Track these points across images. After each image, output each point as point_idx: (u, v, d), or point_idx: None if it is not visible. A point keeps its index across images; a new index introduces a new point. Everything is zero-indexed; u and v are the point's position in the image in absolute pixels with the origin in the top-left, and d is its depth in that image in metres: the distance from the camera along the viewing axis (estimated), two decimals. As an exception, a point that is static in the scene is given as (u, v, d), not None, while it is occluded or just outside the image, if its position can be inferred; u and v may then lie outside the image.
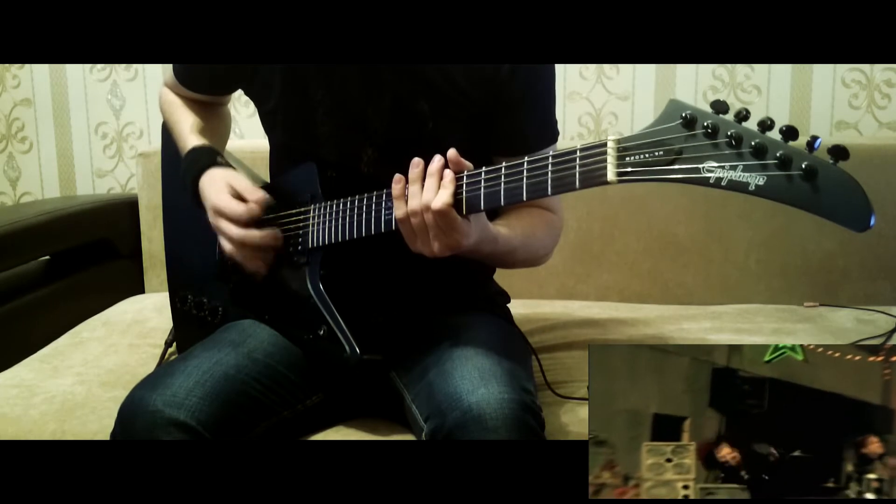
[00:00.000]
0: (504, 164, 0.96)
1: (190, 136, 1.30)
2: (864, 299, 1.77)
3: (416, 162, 1.01)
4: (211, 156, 1.24)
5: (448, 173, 0.99)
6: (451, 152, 0.99)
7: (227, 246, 1.19)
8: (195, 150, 1.26)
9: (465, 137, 1.02)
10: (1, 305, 1.67)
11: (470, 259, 1.23)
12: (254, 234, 1.16)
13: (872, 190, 0.74)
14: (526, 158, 0.94)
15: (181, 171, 1.27)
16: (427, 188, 0.99)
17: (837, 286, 1.79)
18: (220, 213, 1.17)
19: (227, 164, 1.24)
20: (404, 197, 1.01)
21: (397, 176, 1.02)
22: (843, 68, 1.92)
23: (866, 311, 1.70)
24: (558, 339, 1.53)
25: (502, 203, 0.97)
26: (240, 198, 1.17)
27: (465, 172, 0.99)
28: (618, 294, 1.85)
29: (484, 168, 0.98)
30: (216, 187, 1.19)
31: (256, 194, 1.16)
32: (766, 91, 1.94)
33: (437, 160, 1.00)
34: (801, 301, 1.78)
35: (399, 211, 1.02)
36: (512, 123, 1.19)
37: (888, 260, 1.78)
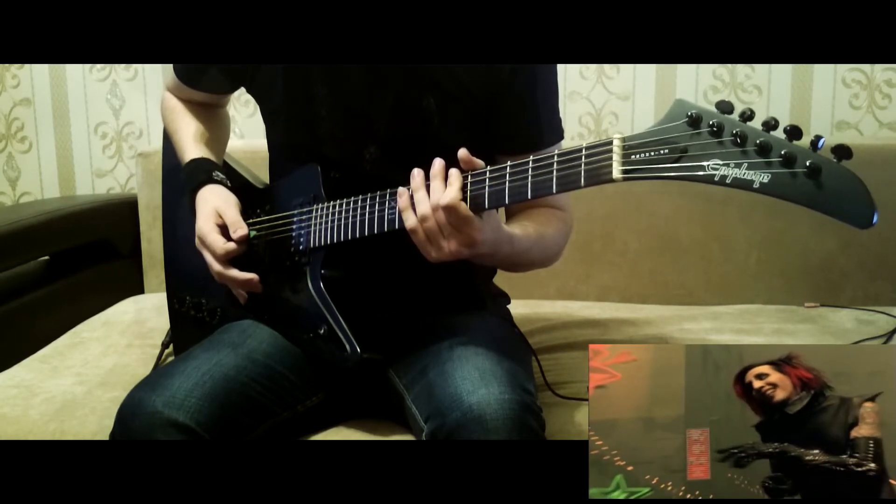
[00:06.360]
0: (509, 162, 0.96)
1: (190, 144, 1.30)
2: (864, 300, 1.77)
3: (416, 173, 1.01)
4: (208, 171, 1.25)
5: (453, 171, 0.98)
6: (462, 151, 0.98)
7: (211, 271, 1.22)
8: (194, 162, 1.27)
9: (468, 136, 1.01)
10: (1, 305, 1.67)
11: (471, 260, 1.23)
12: (230, 275, 1.18)
13: (873, 190, 0.74)
14: (532, 157, 0.94)
15: (181, 179, 1.27)
16: (433, 189, 0.99)
17: (838, 286, 1.79)
18: (203, 244, 1.19)
19: (224, 180, 1.25)
20: (412, 206, 1.00)
21: (401, 189, 1.02)
22: (843, 68, 1.92)
23: (867, 312, 1.70)
24: (558, 340, 1.53)
25: (507, 201, 0.96)
26: (225, 230, 1.18)
27: (470, 171, 0.98)
28: (618, 294, 1.85)
29: (488, 167, 0.98)
30: (206, 212, 1.20)
31: (239, 232, 1.17)
32: (767, 91, 1.94)
33: (438, 163, 1.00)
34: (801, 301, 1.78)
35: (409, 221, 1.01)
36: (515, 122, 1.19)
37: (888, 260, 1.78)
